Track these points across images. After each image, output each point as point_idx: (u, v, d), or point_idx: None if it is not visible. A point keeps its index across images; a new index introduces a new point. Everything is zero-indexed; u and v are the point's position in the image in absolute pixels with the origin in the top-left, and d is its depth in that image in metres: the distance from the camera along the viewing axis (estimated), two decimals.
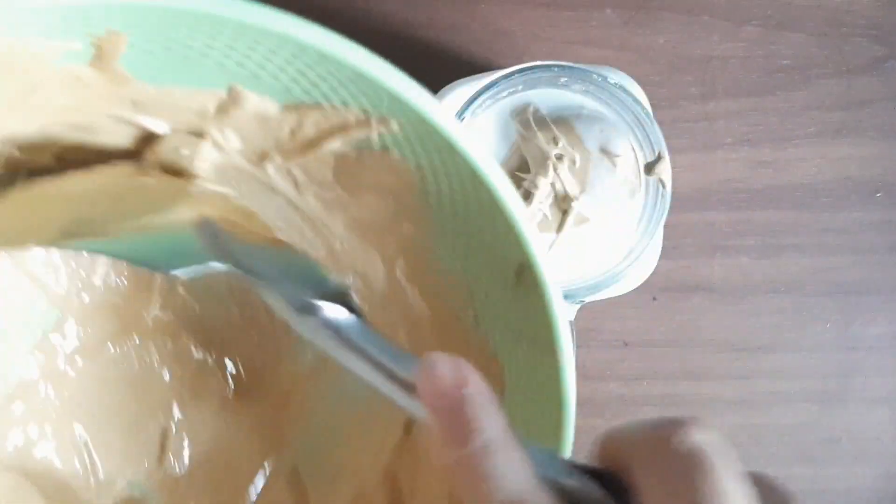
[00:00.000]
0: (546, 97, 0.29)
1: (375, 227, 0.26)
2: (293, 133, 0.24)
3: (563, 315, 0.23)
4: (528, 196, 0.28)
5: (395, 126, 0.23)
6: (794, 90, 0.37)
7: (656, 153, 0.28)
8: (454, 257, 0.25)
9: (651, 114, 0.28)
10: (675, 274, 0.37)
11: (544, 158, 0.28)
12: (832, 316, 0.38)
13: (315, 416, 0.31)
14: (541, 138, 0.28)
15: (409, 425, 0.28)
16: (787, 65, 0.37)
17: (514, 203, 0.22)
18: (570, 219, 0.28)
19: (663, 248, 0.30)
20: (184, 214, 0.27)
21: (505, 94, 0.28)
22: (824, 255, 0.38)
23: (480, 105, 0.28)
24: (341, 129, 0.23)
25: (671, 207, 0.28)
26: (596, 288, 0.28)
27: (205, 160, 0.25)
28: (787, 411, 0.38)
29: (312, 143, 0.24)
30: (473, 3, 0.36)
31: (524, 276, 0.23)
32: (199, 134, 0.24)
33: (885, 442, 0.39)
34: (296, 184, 0.26)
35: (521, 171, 0.28)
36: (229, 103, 0.23)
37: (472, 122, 0.28)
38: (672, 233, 0.36)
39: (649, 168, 0.28)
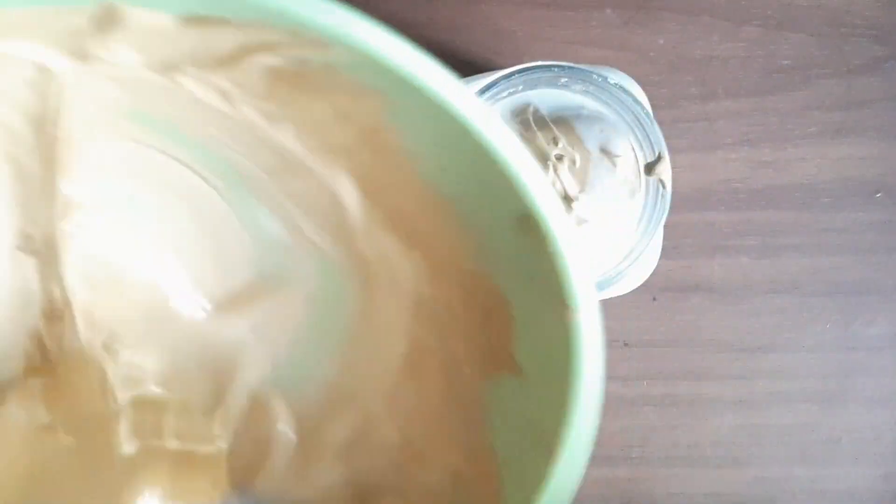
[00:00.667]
0: (546, 97, 0.29)
1: (336, 147, 0.23)
2: (203, 47, 0.20)
3: (582, 267, 0.20)
4: None
5: (336, 54, 0.19)
6: (794, 90, 0.37)
7: (656, 153, 0.28)
8: (442, 185, 0.22)
9: (651, 114, 0.28)
10: (675, 274, 0.37)
11: (544, 159, 0.28)
12: (832, 316, 0.38)
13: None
14: (541, 138, 0.28)
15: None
16: (787, 65, 0.37)
17: (509, 146, 0.19)
18: (570, 219, 0.28)
19: (663, 248, 0.30)
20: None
21: (505, 94, 0.28)
22: (824, 255, 0.38)
23: None
24: (265, 47, 0.20)
25: (671, 207, 0.28)
26: (596, 288, 0.28)
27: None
28: (787, 411, 0.38)
29: (232, 57, 0.20)
30: (473, 3, 0.36)
31: (529, 227, 0.20)
32: (82, 57, 0.20)
33: (885, 442, 0.39)
34: (224, 94, 0.22)
35: None
36: (105, 20, 0.19)
37: None
38: (672, 233, 0.36)
39: (649, 168, 0.28)
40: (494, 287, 0.23)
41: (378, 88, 0.20)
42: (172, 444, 0.24)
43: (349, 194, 0.24)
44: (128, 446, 0.24)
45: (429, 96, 0.19)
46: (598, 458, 0.38)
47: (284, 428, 0.25)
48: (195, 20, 0.19)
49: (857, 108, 0.37)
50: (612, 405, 0.38)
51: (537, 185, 0.19)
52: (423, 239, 0.24)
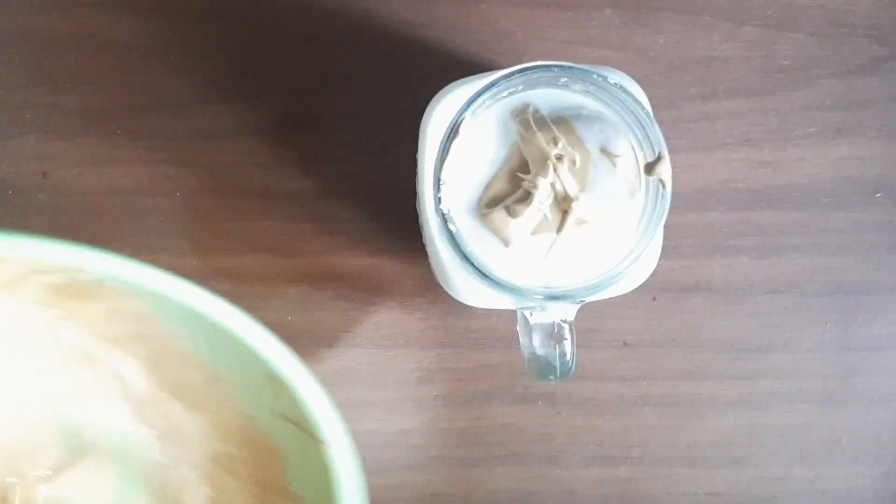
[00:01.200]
0: (546, 97, 0.29)
1: (116, 338, 0.29)
2: None
3: (326, 409, 0.26)
4: (527, 196, 0.28)
5: (93, 273, 0.25)
6: (795, 90, 0.37)
7: (656, 153, 0.28)
8: (207, 357, 0.28)
9: (651, 114, 0.28)
10: (675, 274, 0.37)
11: (544, 159, 0.28)
12: (832, 316, 0.38)
13: None
14: (541, 138, 0.28)
15: None
16: (787, 65, 0.37)
17: (244, 326, 0.25)
18: (571, 219, 0.28)
19: (663, 248, 0.30)
20: None
21: (505, 94, 0.28)
22: (824, 255, 0.38)
23: (480, 105, 0.28)
24: (46, 270, 0.26)
25: (671, 207, 0.28)
26: (596, 288, 0.28)
27: None
28: (787, 411, 0.38)
29: (13, 281, 0.27)
30: (473, 3, 0.36)
31: (276, 381, 0.26)
32: None
33: (885, 442, 0.39)
34: (7, 311, 0.28)
35: (521, 171, 0.28)
36: None
37: (472, 122, 0.28)
38: (672, 233, 0.36)
39: (649, 168, 0.28)
40: (266, 436, 0.29)
41: (133, 289, 0.26)
42: None
43: (134, 374, 0.30)
44: None
45: (164, 295, 0.25)
46: (598, 458, 0.38)
47: None
48: None
49: (857, 108, 0.37)
50: (612, 405, 0.38)
51: (274, 351, 0.25)
52: (205, 403, 0.30)
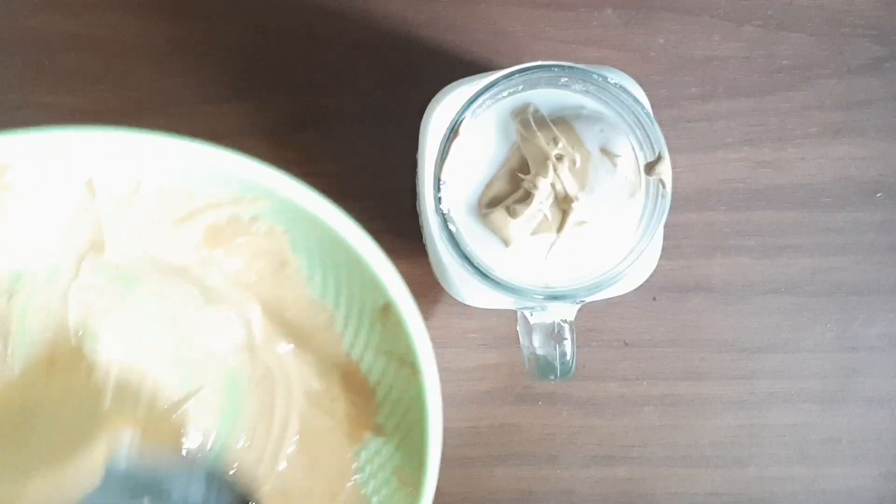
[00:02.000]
0: (546, 97, 0.29)
1: (248, 281, 0.31)
2: (162, 207, 0.29)
3: (426, 341, 0.28)
4: (527, 196, 0.28)
5: (264, 204, 0.28)
6: (795, 90, 0.37)
7: (656, 153, 0.28)
8: (326, 296, 0.31)
9: (651, 114, 0.28)
10: (675, 274, 0.37)
11: (544, 159, 0.28)
12: (832, 316, 0.38)
13: None
14: (541, 138, 0.28)
15: None
16: (787, 65, 0.37)
17: (372, 253, 0.28)
18: (571, 219, 0.28)
19: (663, 248, 0.30)
20: (95, 454, 0.30)
21: (505, 94, 0.28)
22: (824, 255, 0.38)
23: (480, 105, 0.28)
24: (213, 206, 0.29)
25: (671, 207, 0.28)
26: (596, 288, 0.28)
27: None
28: (787, 411, 0.38)
29: (183, 219, 0.29)
30: (473, 3, 0.36)
31: (389, 312, 0.28)
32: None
33: (885, 442, 0.39)
34: (168, 246, 0.30)
35: (521, 171, 0.28)
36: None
37: (472, 122, 0.28)
38: (672, 233, 0.36)
39: (649, 168, 0.28)
40: (365, 377, 0.31)
41: (288, 228, 0.29)
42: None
43: (255, 317, 0.32)
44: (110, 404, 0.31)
45: (324, 227, 0.27)
46: (598, 457, 0.38)
47: None
48: (167, 191, 0.28)
49: (857, 108, 0.37)
50: (612, 405, 0.38)
51: (394, 281, 0.28)
52: (311, 342, 0.32)
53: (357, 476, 0.31)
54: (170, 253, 0.30)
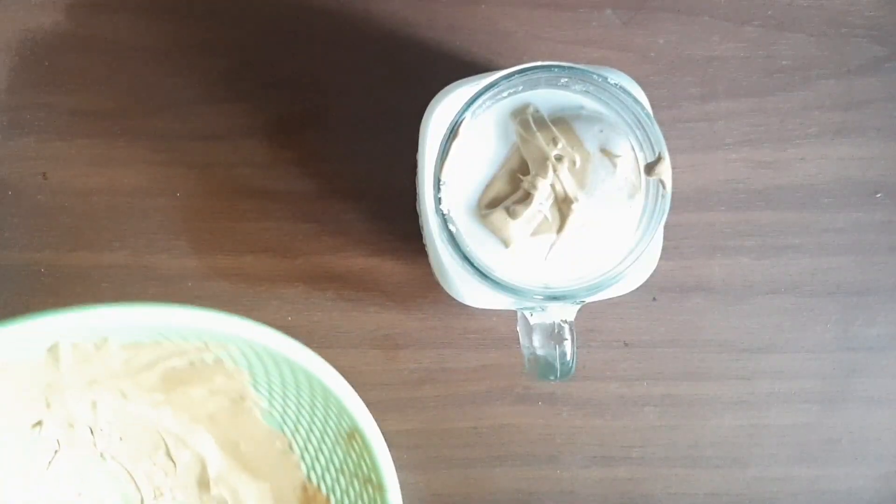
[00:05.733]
0: (546, 97, 0.29)
1: (204, 417, 0.32)
2: (127, 362, 0.29)
3: (389, 460, 0.31)
4: (527, 197, 0.28)
5: (231, 349, 0.29)
6: (795, 90, 0.37)
7: (656, 153, 0.28)
8: (285, 424, 0.32)
9: (651, 114, 0.28)
10: (675, 274, 0.37)
11: (544, 159, 0.28)
12: (832, 316, 0.38)
13: None
14: (540, 139, 0.28)
15: None
16: (787, 65, 0.37)
17: (341, 384, 0.29)
18: (571, 220, 0.28)
19: (663, 248, 0.30)
20: None
21: (505, 94, 0.28)
22: (824, 255, 0.38)
23: (480, 105, 0.28)
24: (178, 353, 0.29)
25: (671, 208, 0.28)
26: (596, 288, 0.28)
27: None
28: (787, 411, 0.38)
29: (146, 366, 0.30)
30: (473, 3, 0.36)
31: (355, 437, 0.30)
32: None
33: (885, 442, 0.39)
34: (123, 394, 0.31)
35: (521, 172, 0.28)
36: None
37: (471, 122, 0.28)
38: (672, 233, 0.36)
39: (649, 169, 0.28)
40: (322, 490, 0.33)
41: (250, 366, 0.30)
42: None
43: (212, 452, 0.33)
44: None
45: (291, 363, 0.29)
46: (598, 458, 0.38)
47: None
48: (132, 346, 0.28)
49: (857, 108, 0.37)
50: (612, 405, 0.38)
51: (361, 409, 0.30)
52: (269, 472, 0.33)
53: None
54: (126, 399, 0.31)
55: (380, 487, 0.30)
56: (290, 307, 0.37)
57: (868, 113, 0.37)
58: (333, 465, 0.32)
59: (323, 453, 0.32)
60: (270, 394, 0.31)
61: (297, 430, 0.33)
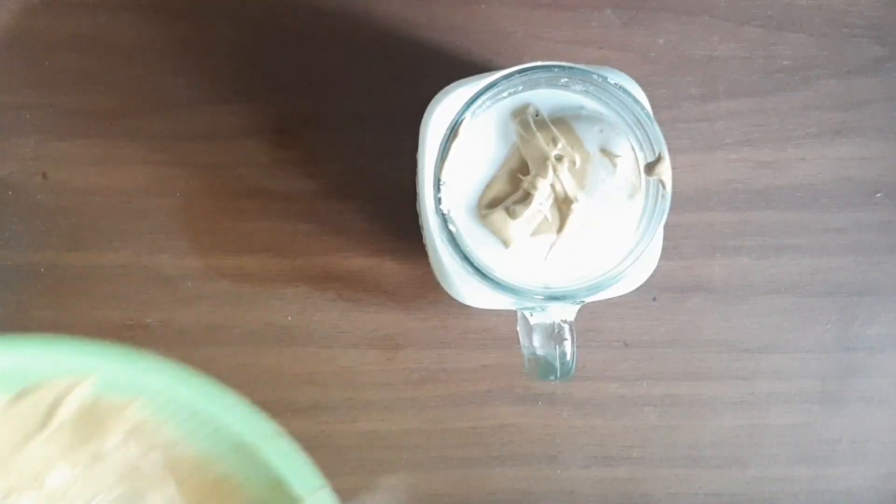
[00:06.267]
0: (546, 97, 0.29)
1: (126, 464, 0.32)
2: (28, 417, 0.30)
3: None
4: (527, 197, 0.28)
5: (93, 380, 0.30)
6: (795, 91, 0.37)
7: (656, 154, 0.28)
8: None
9: (651, 114, 0.28)
10: (675, 274, 0.37)
11: (544, 159, 0.28)
12: (832, 316, 0.38)
13: None
14: (540, 139, 0.28)
15: None
16: (787, 65, 0.37)
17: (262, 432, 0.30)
18: (571, 220, 0.28)
19: (663, 248, 0.30)
20: None
21: (505, 94, 0.28)
22: (824, 255, 0.38)
23: (480, 105, 0.28)
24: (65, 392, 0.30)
25: (671, 208, 0.28)
26: (596, 288, 0.28)
27: None
28: (787, 411, 0.38)
29: (48, 416, 0.31)
30: (473, 3, 0.36)
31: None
32: None
33: (885, 442, 0.39)
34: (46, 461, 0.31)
35: (521, 172, 0.28)
36: None
37: (471, 122, 0.28)
38: (672, 233, 0.36)
39: (649, 169, 0.28)
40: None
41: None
42: None
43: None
44: None
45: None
46: (598, 458, 0.38)
47: None
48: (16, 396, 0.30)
49: (857, 108, 0.37)
50: (612, 405, 0.38)
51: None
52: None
53: None
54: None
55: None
56: (290, 307, 0.37)
57: (868, 113, 0.37)
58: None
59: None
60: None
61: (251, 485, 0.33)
